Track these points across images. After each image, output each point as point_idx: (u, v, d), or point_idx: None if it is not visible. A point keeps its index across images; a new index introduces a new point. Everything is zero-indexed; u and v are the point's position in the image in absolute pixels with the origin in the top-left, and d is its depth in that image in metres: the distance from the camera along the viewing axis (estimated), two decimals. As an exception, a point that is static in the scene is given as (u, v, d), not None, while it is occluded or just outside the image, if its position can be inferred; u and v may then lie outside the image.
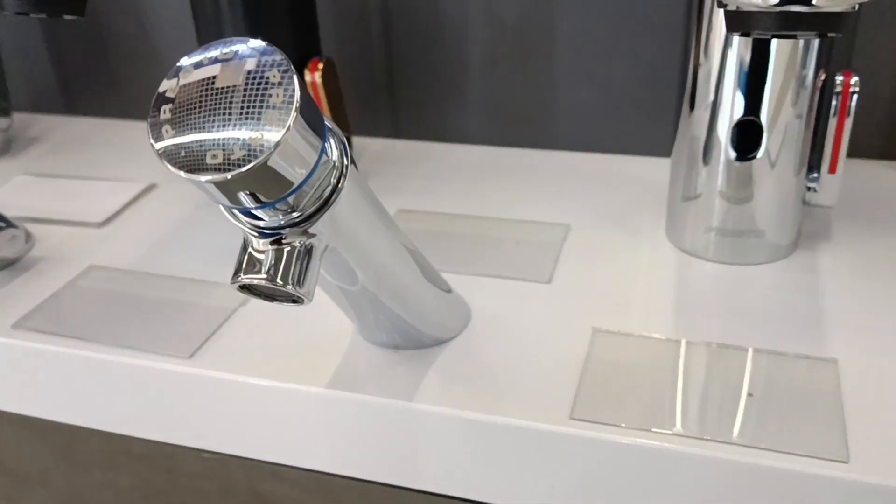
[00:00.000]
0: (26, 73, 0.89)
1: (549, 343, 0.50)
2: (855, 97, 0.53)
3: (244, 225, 0.35)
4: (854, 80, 0.52)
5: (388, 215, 0.42)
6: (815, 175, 0.56)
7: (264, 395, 0.48)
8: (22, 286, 0.58)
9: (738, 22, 0.34)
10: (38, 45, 0.87)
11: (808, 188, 0.56)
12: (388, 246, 0.42)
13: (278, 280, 0.34)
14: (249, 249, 0.35)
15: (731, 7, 0.33)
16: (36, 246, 0.62)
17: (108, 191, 0.71)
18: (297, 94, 0.30)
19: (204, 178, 0.30)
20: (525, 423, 0.44)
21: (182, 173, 0.31)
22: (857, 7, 0.32)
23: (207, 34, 0.62)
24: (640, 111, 0.71)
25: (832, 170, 0.55)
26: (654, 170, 0.70)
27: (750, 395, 0.45)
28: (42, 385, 0.54)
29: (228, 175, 0.30)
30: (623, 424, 0.43)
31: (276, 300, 0.37)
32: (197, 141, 0.31)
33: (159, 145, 0.31)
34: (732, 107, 0.52)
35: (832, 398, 0.44)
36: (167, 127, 0.31)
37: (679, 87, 0.69)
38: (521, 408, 0.45)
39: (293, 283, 0.34)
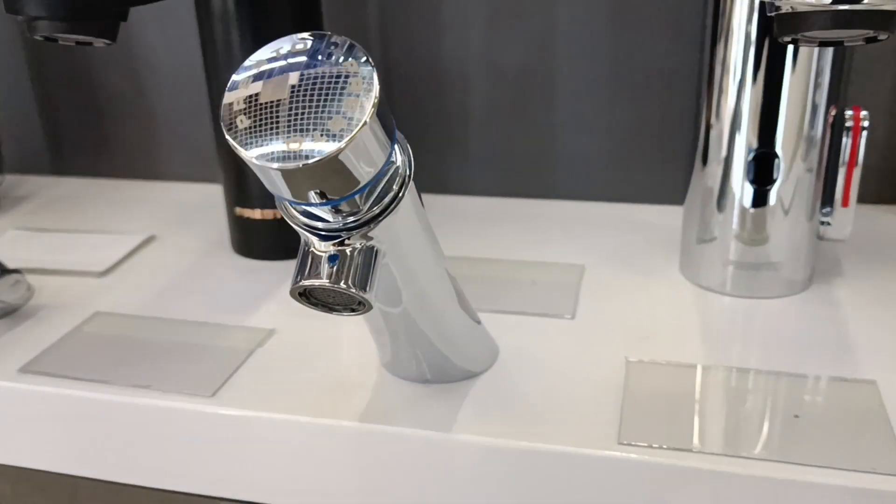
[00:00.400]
0: (16, 136, 0.88)
1: (583, 373, 0.49)
2: (865, 132, 0.54)
3: (303, 227, 0.34)
4: (864, 113, 0.54)
5: (435, 236, 0.41)
6: (829, 209, 0.57)
7: (294, 432, 0.46)
8: (26, 333, 0.56)
9: (791, 25, 0.35)
10: (28, 106, 0.86)
11: (822, 223, 0.57)
12: (433, 266, 0.41)
13: (342, 283, 0.33)
14: (311, 251, 0.34)
15: (785, 9, 0.34)
16: (36, 294, 0.60)
17: (106, 243, 0.69)
18: (376, 89, 0.30)
19: (275, 165, 0.29)
20: (573, 449, 0.42)
21: (254, 159, 0.30)
22: (907, 7, 0.33)
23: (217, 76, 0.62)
24: (641, 160, 0.73)
25: (845, 203, 0.56)
26: (659, 216, 0.70)
27: (796, 416, 0.44)
28: (49, 434, 0.51)
29: (301, 164, 0.29)
30: (674, 446, 0.42)
31: (334, 310, 0.36)
32: (275, 134, 0.30)
33: (249, 151, 0.30)
34: (747, 152, 0.54)
35: (879, 416, 0.44)
36: (246, 125, 0.31)
37: (682, 136, 0.70)
38: (565, 435, 0.43)
39: (357, 286, 0.33)
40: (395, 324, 0.43)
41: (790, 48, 0.50)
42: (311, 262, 0.34)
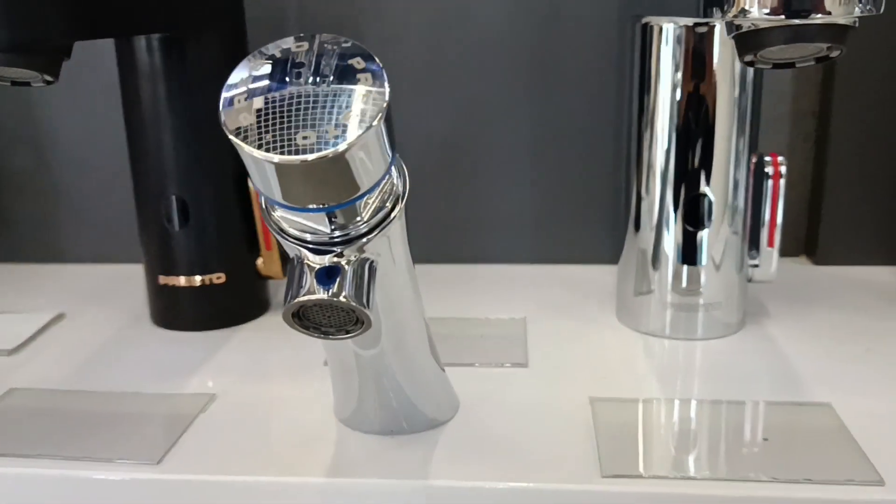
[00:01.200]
0: None
1: (549, 414, 0.48)
2: (783, 178, 0.58)
3: (295, 241, 0.32)
4: (780, 158, 0.58)
5: (414, 270, 0.40)
6: (755, 252, 0.60)
7: (257, 494, 0.43)
8: (-71, 413, 0.50)
9: (753, 43, 0.37)
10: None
11: (751, 265, 0.60)
12: (412, 300, 0.40)
13: (341, 297, 0.31)
14: (304, 266, 0.32)
15: (746, 27, 0.36)
16: (-64, 375, 0.54)
17: (11, 322, 0.64)
18: (387, 90, 0.30)
19: (276, 158, 0.28)
20: (561, 486, 0.41)
21: (255, 153, 0.28)
22: (856, 23, 0.36)
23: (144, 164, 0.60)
24: (567, 221, 0.74)
25: (770, 243, 0.59)
26: (587, 272, 0.72)
27: (765, 439, 0.45)
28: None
29: (306, 159, 0.28)
30: (657, 475, 0.42)
31: (327, 333, 0.34)
32: (284, 127, 0.29)
33: (250, 146, 0.29)
34: (677, 199, 0.56)
35: (842, 433, 0.45)
36: (250, 122, 0.29)
37: (605, 195, 0.73)
38: (547, 473, 0.42)
39: (357, 301, 0.31)
40: (367, 365, 0.41)
41: (717, 99, 0.54)
42: (306, 278, 0.32)
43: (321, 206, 0.30)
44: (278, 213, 0.33)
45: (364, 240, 0.32)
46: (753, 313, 0.62)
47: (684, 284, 0.58)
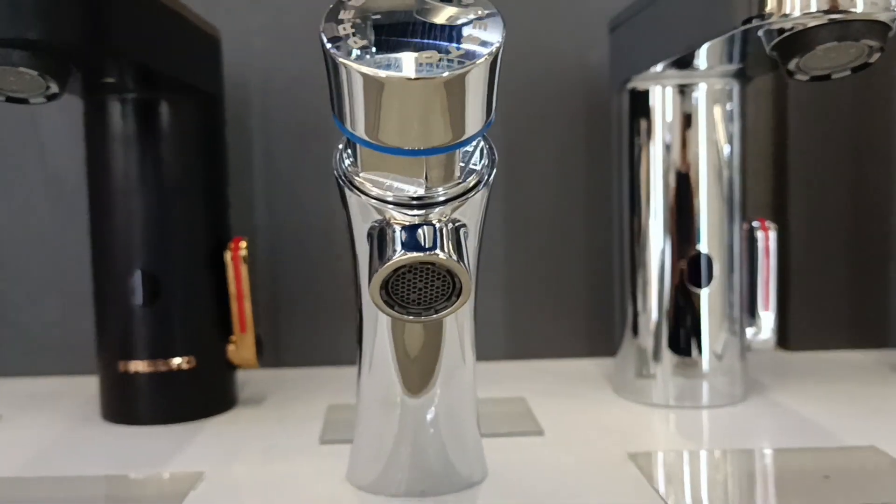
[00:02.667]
0: None
1: (590, 472, 0.44)
2: (774, 241, 0.58)
3: (380, 200, 0.29)
4: (769, 223, 0.59)
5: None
6: (752, 320, 0.59)
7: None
8: None
9: (798, 45, 0.37)
10: None
11: (750, 333, 0.59)
12: (470, 323, 0.36)
13: (440, 255, 0.27)
14: (392, 227, 0.28)
15: (789, 29, 0.37)
16: None
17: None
18: (503, 30, 0.27)
19: (412, 73, 0.25)
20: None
21: (380, 72, 0.25)
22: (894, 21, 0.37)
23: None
24: (540, 316, 0.72)
25: (766, 307, 0.59)
26: (572, 366, 0.69)
27: (826, 476, 0.42)
28: None
29: (445, 74, 0.25)
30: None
31: (411, 312, 0.29)
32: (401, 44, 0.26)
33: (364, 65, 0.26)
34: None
35: (893, 469, 0.43)
36: (362, 44, 0.26)
37: (577, 289, 0.72)
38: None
39: (461, 261, 0.28)
40: (411, 414, 0.37)
41: (701, 174, 0.55)
42: (395, 240, 0.28)
43: (423, 148, 0.27)
44: (364, 175, 0.29)
45: (458, 201, 0.29)
46: (752, 386, 0.60)
47: (687, 367, 0.56)
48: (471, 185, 0.30)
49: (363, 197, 0.29)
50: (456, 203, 0.29)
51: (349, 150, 0.31)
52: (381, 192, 0.29)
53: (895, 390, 0.59)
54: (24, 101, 0.39)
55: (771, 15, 0.38)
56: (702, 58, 0.51)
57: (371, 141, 0.27)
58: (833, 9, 0.37)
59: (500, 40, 0.27)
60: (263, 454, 0.48)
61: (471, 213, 0.30)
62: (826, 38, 0.37)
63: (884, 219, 0.73)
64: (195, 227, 0.56)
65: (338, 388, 0.63)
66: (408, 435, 0.39)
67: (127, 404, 0.55)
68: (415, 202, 0.29)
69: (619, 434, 0.50)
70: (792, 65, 0.39)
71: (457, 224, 0.29)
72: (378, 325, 0.35)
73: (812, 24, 0.37)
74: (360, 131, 0.27)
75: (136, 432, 0.54)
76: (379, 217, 0.29)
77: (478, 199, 0.30)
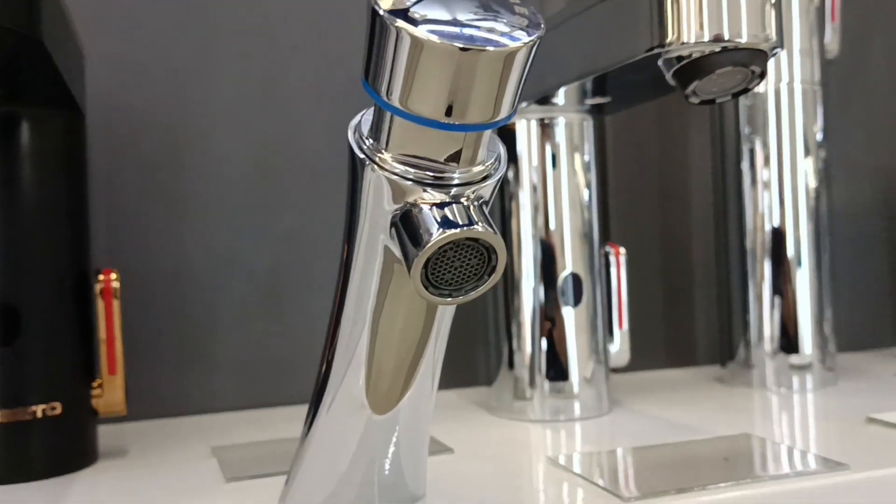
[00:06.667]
0: None
1: (517, 478, 0.45)
2: (624, 261, 0.64)
3: (407, 178, 0.28)
4: (622, 249, 0.64)
5: None
6: (610, 338, 0.64)
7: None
8: None
9: (689, 74, 0.43)
10: None
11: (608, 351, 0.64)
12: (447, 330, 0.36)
13: (478, 227, 0.28)
14: (423, 209, 0.28)
15: (686, 57, 0.43)
16: None
17: None
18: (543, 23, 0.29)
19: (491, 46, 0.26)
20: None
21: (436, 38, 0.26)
22: (772, 51, 0.44)
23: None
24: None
25: (620, 324, 0.64)
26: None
27: (726, 458, 0.47)
28: None
29: (523, 40, 0.26)
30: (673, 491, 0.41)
31: (441, 293, 0.29)
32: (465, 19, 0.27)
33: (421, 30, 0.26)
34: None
35: (774, 448, 0.49)
36: (422, 13, 0.26)
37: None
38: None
39: (494, 229, 0.28)
40: (375, 433, 0.36)
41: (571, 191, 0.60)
42: (428, 221, 0.28)
43: (462, 123, 0.27)
44: (390, 154, 0.29)
45: (485, 183, 0.30)
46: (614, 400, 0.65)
47: (558, 391, 0.60)
48: (496, 166, 0.31)
49: (394, 176, 0.29)
50: (487, 183, 0.30)
51: (371, 129, 0.30)
52: (416, 172, 0.29)
53: (728, 395, 0.67)
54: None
55: (671, 44, 0.43)
56: (560, 95, 0.56)
57: (409, 111, 0.27)
58: (720, 38, 0.43)
59: (543, 25, 0.28)
60: (170, 499, 0.44)
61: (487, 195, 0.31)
62: (723, 63, 0.43)
63: (688, 252, 0.83)
64: (58, 255, 0.51)
65: (203, 433, 0.59)
66: (367, 454, 0.38)
67: (16, 458, 0.48)
68: (451, 181, 0.29)
69: (522, 444, 0.52)
70: (690, 88, 0.44)
71: (480, 201, 0.30)
72: (354, 336, 0.35)
73: (707, 51, 0.43)
74: (396, 100, 0.27)
75: (26, 490, 0.47)
76: (399, 202, 0.29)
77: (493, 183, 0.31)
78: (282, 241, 0.70)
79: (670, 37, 0.44)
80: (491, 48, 0.27)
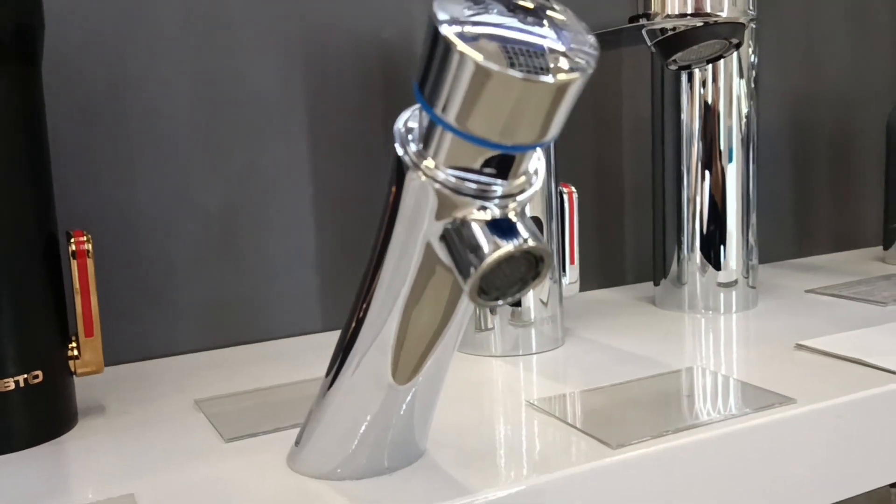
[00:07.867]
0: None
1: (503, 417, 0.49)
2: (576, 201, 0.67)
3: (460, 192, 0.30)
4: (573, 188, 0.67)
5: None
6: (563, 272, 0.68)
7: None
8: None
9: (672, 46, 0.45)
10: None
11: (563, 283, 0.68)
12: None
13: (529, 242, 0.30)
14: (472, 225, 0.30)
15: (669, 30, 0.45)
16: None
17: None
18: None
19: (551, 79, 0.27)
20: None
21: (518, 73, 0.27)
22: (750, 23, 0.47)
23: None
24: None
25: (572, 260, 0.68)
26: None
27: (688, 395, 0.52)
28: None
29: (577, 74, 0.27)
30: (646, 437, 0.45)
31: (489, 297, 0.31)
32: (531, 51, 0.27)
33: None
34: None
35: (726, 382, 0.54)
36: (493, 49, 0.27)
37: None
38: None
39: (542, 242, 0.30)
40: (396, 396, 0.39)
41: None
42: (479, 237, 0.29)
43: (514, 144, 0.29)
44: (439, 161, 0.30)
45: (526, 194, 0.31)
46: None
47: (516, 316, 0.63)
48: (537, 182, 0.32)
49: (441, 187, 0.30)
50: (528, 193, 0.31)
51: (419, 135, 0.31)
52: (464, 185, 0.30)
53: (661, 319, 0.72)
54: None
55: (656, 15, 0.45)
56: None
57: (463, 130, 0.28)
58: (702, 11, 0.45)
59: (596, 54, 0.30)
60: (175, 462, 0.45)
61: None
62: (706, 36, 0.45)
63: (621, 177, 0.87)
64: (24, 219, 0.49)
65: (174, 381, 0.60)
66: (384, 419, 0.40)
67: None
68: (498, 193, 0.30)
69: (499, 384, 0.56)
70: (671, 58, 0.46)
71: (523, 209, 0.32)
72: (382, 316, 0.36)
73: (691, 24, 0.45)
74: (452, 119, 0.28)
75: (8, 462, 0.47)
76: (446, 212, 0.31)
77: (532, 193, 0.32)
78: (234, 180, 0.69)
79: (654, 7, 0.45)
80: (550, 80, 0.28)
